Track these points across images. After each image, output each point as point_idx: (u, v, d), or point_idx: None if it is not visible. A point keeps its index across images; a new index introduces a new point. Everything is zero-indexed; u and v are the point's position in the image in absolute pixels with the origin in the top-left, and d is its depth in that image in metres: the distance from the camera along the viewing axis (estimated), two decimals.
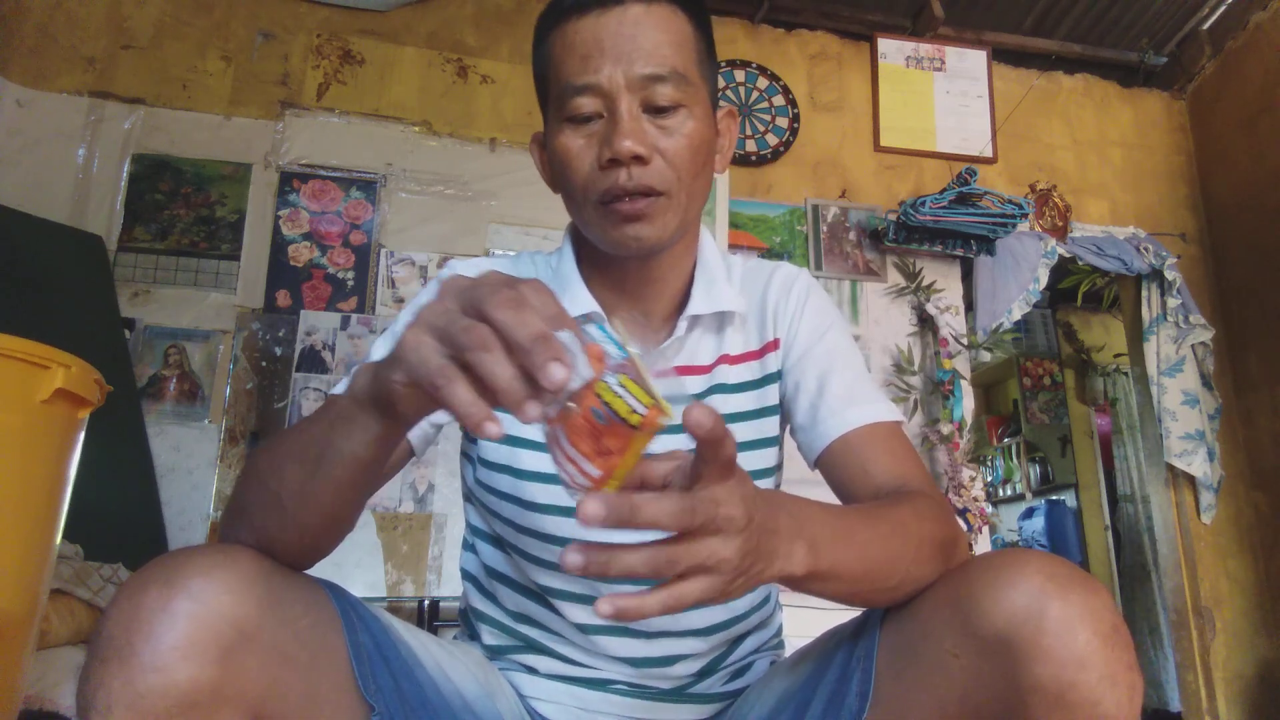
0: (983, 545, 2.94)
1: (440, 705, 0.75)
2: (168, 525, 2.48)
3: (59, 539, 1.24)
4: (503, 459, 0.88)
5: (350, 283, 2.82)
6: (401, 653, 0.74)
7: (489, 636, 0.93)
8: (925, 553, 0.68)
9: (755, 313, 0.94)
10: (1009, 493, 5.83)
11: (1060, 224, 3.45)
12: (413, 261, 2.88)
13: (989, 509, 3.03)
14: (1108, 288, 3.74)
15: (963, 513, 2.91)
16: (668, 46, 0.81)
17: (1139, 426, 4.09)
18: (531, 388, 0.47)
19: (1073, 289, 3.74)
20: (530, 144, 0.93)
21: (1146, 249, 3.43)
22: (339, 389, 0.75)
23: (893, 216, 3.14)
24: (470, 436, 0.94)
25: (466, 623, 0.98)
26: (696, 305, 0.89)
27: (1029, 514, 5.46)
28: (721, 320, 0.92)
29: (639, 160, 0.79)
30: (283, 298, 2.76)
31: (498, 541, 0.93)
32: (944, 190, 3.08)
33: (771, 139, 3.28)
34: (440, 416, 0.83)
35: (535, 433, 0.86)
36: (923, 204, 3.02)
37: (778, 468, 0.95)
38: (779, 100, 3.34)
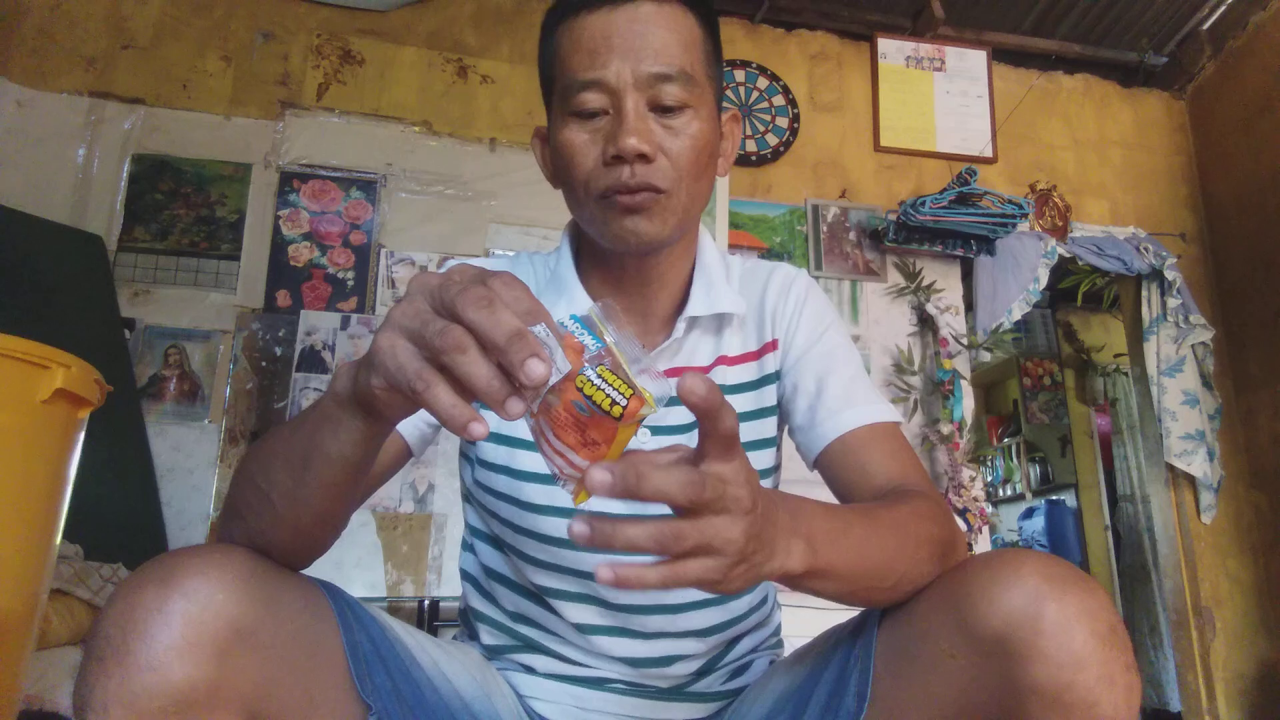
0: (982, 545, 2.94)
1: (437, 705, 0.75)
2: (168, 525, 2.48)
3: (59, 539, 1.24)
4: (501, 460, 0.88)
5: (350, 283, 2.82)
6: (399, 652, 0.74)
7: (488, 636, 0.93)
8: (923, 553, 0.68)
9: (754, 314, 0.94)
10: (1009, 493, 5.83)
11: (1060, 224, 3.45)
12: (413, 261, 2.88)
13: (989, 509, 3.03)
14: (1108, 288, 3.74)
15: (963, 513, 2.91)
16: (677, 46, 0.80)
17: (1139, 426, 4.09)
18: (511, 385, 0.47)
19: (1073, 289, 3.74)
20: (532, 138, 0.93)
21: (1146, 249, 3.43)
22: None
23: (893, 216, 3.13)
24: None
25: (466, 623, 0.98)
26: (695, 306, 0.89)
27: (1029, 514, 5.46)
28: (720, 321, 0.92)
29: (643, 158, 0.79)
30: (283, 298, 2.76)
31: (496, 542, 0.92)
32: (944, 190, 3.08)
33: (771, 139, 3.28)
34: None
35: None
36: (923, 204, 3.02)
37: (776, 469, 0.95)
38: (779, 100, 3.34)
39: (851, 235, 3.25)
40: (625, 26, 0.79)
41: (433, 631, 2.10)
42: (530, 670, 0.89)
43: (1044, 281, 3.29)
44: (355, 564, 2.57)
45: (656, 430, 0.87)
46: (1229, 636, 3.25)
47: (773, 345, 0.92)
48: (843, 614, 0.77)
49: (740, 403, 0.91)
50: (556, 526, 0.85)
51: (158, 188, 2.76)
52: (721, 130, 0.89)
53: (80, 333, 2.42)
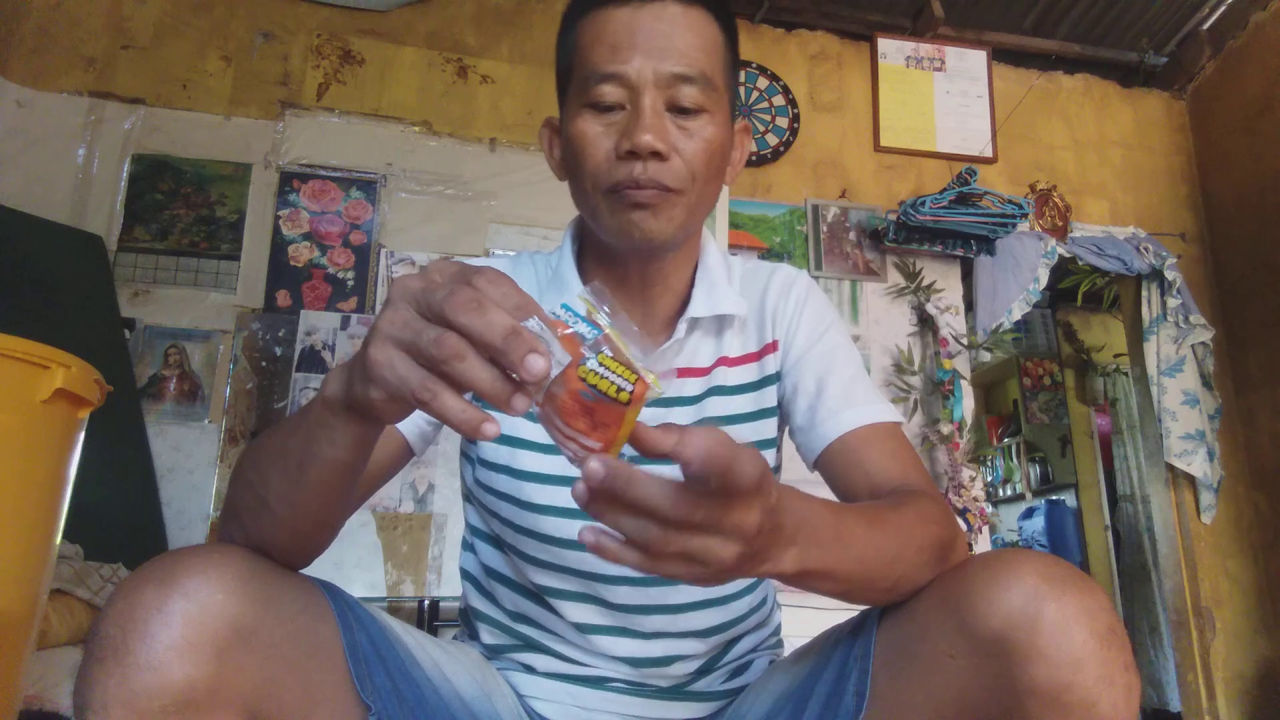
0: (982, 545, 2.94)
1: (437, 705, 0.75)
2: (168, 525, 2.48)
3: (59, 539, 1.24)
4: (502, 459, 0.88)
5: (350, 283, 2.82)
6: (398, 652, 0.74)
7: (488, 636, 0.93)
8: (923, 553, 0.68)
9: (754, 315, 0.94)
10: (1009, 493, 5.83)
11: (1060, 224, 3.45)
12: (413, 261, 2.88)
13: (989, 509, 3.03)
14: (1108, 288, 3.74)
15: (963, 513, 2.91)
16: (699, 49, 0.80)
17: (1139, 426, 4.09)
18: (514, 383, 0.47)
19: (1073, 289, 3.74)
20: (541, 128, 0.93)
21: (1146, 249, 3.43)
22: None
23: (893, 216, 3.13)
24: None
25: (466, 622, 0.98)
26: (697, 307, 0.89)
27: (1029, 514, 5.46)
28: (721, 323, 0.92)
29: (657, 156, 0.79)
30: (283, 298, 2.76)
31: (496, 541, 0.93)
32: (944, 190, 3.08)
33: (771, 139, 3.28)
34: None
35: (534, 433, 0.87)
36: (923, 204, 3.02)
37: (776, 469, 0.95)
38: (779, 100, 3.34)
39: (851, 235, 3.25)
40: (650, 24, 0.79)
41: (433, 631, 2.10)
42: (530, 670, 0.89)
43: (1044, 281, 3.29)
44: (355, 564, 2.57)
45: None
46: (1229, 636, 3.25)
47: (773, 346, 0.92)
48: (843, 614, 0.77)
49: (740, 403, 0.91)
50: (557, 526, 0.85)
51: (158, 188, 2.76)
52: (733, 140, 0.89)
53: (80, 333, 2.42)
